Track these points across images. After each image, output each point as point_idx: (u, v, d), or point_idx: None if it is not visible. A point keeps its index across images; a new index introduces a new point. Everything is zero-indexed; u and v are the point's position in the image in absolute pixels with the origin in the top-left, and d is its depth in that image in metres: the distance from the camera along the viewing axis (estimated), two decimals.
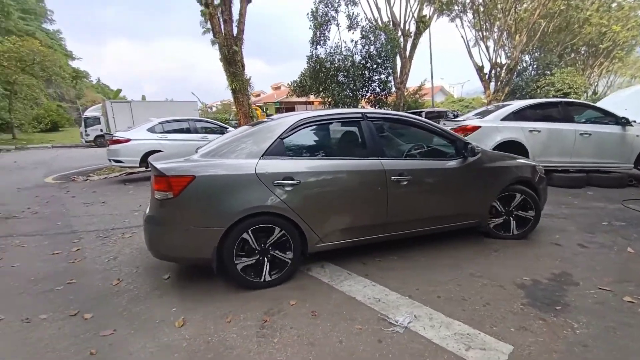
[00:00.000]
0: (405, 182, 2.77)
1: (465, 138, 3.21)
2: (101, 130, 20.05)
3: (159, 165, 2.33)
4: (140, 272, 2.81)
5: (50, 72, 23.56)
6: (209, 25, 12.03)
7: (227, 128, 8.67)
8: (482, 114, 6.28)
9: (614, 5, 29.88)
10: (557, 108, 5.88)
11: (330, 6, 16.21)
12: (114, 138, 7.12)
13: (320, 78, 16.86)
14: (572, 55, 34.84)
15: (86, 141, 20.09)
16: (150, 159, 2.59)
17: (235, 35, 11.47)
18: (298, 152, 2.72)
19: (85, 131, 20.00)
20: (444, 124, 6.42)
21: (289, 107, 39.20)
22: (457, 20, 27.24)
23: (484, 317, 2.02)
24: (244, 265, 2.40)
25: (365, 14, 17.59)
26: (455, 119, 6.57)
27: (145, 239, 2.49)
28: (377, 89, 17.35)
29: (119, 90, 31.96)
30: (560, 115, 5.77)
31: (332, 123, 2.91)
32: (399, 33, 17.50)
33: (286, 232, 2.45)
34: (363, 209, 2.72)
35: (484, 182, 3.15)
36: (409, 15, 17.70)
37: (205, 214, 2.30)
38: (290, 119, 2.67)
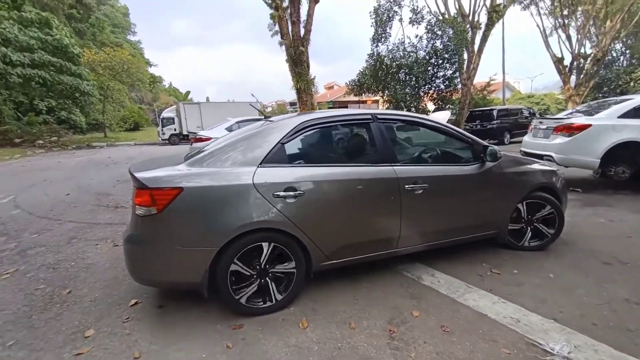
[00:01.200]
0: (420, 191, 2.48)
1: (484, 142, 2.81)
2: (175, 130, 22.06)
3: (140, 175, 1.99)
4: None
5: (134, 78, 26.60)
6: (277, 28, 12.44)
7: None
8: (589, 111, 5.47)
9: None
10: None
11: (393, 1, 15.70)
12: (197, 137, 7.68)
13: (380, 76, 16.44)
14: None
15: (162, 139, 22.25)
16: (131, 167, 2.21)
17: (302, 36, 11.67)
18: (301, 158, 2.39)
19: (162, 130, 22.15)
20: (540, 122, 5.75)
21: (342, 106, 39.19)
22: (532, 8, 24.64)
23: None
24: (246, 295, 2.11)
25: (429, 7, 16.58)
26: (554, 117, 5.82)
27: (126, 261, 2.11)
28: (442, 86, 16.39)
29: (188, 93, 34.91)
30: None
31: (339, 125, 2.65)
32: (468, 25, 16.30)
33: (288, 250, 2.16)
34: (374, 222, 2.44)
35: (504, 189, 2.87)
36: (479, 5, 16.40)
37: (195, 231, 2.00)
38: (292, 120, 2.38)
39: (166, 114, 23.11)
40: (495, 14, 16.15)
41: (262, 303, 2.16)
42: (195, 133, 8.04)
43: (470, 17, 16.54)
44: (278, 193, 2.10)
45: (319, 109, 39.88)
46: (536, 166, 3.08)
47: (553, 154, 5.16)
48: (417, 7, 15.91)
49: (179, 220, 1.98)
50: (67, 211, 5.07)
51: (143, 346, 1.87)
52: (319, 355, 1.76)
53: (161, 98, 44.34)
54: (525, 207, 2.97)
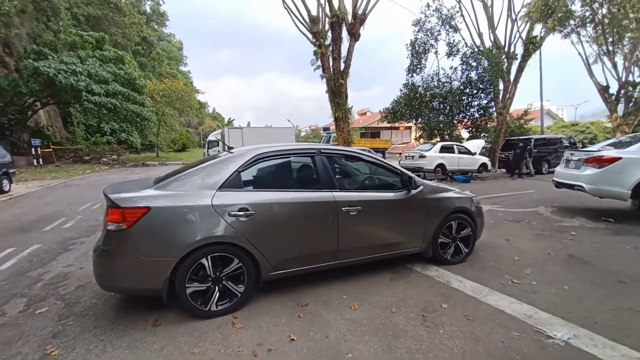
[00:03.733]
0: (354, 212, 2.92)
1: (410, 173, 3.37)
2: (219, 152, 23.97)
3: (113, 196, 2.34)
4: None
5: (185, 104, 29.60)
6: (319, 63, 13.73)
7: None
8: (619, 145, 5.70)
9: None
10: None
11: (430, 35, 16.58)
12: None
13: (414, 105, 17.09)
14: None
15: None
16: (105, 189, 2.57)
17: (342, 70, 12.80)
18: (254, 184, 2.80)
19: (207, 152, 24.15)
20: (571, 154, 6.04)
21: (374, 132, 39.98)
22: (573, 36, 24.36)
23: None
24: (194, 291, 2.42)
25: (465, 40, 17.20)
26: (584, 149, 6.08)
27: (94, 270, 2.46)
28: (476, 115, 16.65)
29: (231, 120, 37.74)
30: None
31: (288, 157, 3.06)
32: (503, 56, 16.65)
33: (240, 260, 2.51)
34: (315, 238, 2.85)
35: (426, 212, 3.34)
36: (515, 37, 16.76)
37: (160, 244, 2.33)
38: (248, 153, 2.78)
39: (212, 137, 25.23)
40: (532, 45, 16.42)
41: (201, 304, 2.46)
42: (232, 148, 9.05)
43: (506, 48, 16.90)
44: (233, 212, 2.49)
45: (353, 135, 40.67)
46: (453, 194, 3.61)
47: (584, 185, 5.42)
48: (453, 40, 16.66)
49: (146, 235, 2.31)
50: None
51: (243, 316, 2.56)
52: (368, 327, 2.35)
53: (206, 122, 48.16)
54: (454, 226, 3.51)
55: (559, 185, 6.21)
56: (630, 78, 23.75)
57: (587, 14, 23.37)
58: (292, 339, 2.20)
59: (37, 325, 2.44)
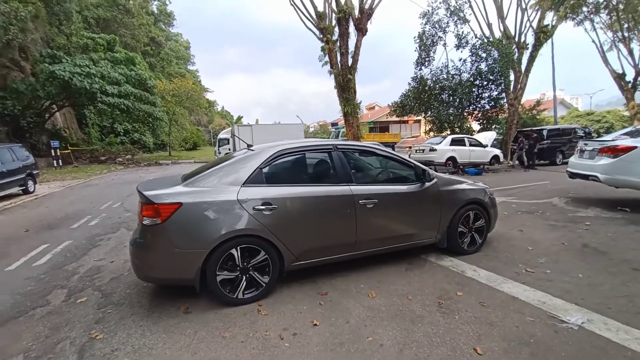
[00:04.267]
0: (371, 205, 3.06)
1: (423, 166, 3.45)
2: (229, 150, 24.28)
3: (147, 193, 2.52)
4: None
5: (194, 103, 29.98)
6: (327, 59, 13.77)
7: None
8: (635, 134, 5.63)
9: None
10: None
11: (438, 27, 16.40)
12: None
13: (422, 98, 16.98)
14: None
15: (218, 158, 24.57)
16: (139, 186, 2.77)
17: (350, 65, 12.81)
18: (276, 179, 2.93)
19: (218, 149, 24.51)
20: (585, 144, 6.01)
21: (383, 127, 39.75)
22: (586, 23, 23.64)
23: None
24: (223, 279, 2.60)
25: (474, 32, 16.95)
26: (598, 139, 6.03)
27: (131, 261, 2.71)
28: (487, 106, 16.46)
29: (240, 117, 38.05)
30: None
31: (306, 153, 3.18)
32: (514, 46, 16.35)
33: (265, 252, 2.69)
34: (334, 230, 2.99)
35: (441, 203, 3.45)
36: (525, 27, 16.42)
37: (191, 237, 2.51)
38: (269, 150, 2.95)
39: (222, 135, 25.56)
40: (543, 34, 16.08)
41: (230, 292, 2.63)
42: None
43: (517, 38, 16.58)
44: (257, 207, 2.66)
45: (362, 129, 40.53)
46: (466, 185, 3.72)
47: (598, 175, 5.39)
48: (462, 32, 16.44)
49: (179, 229, 2.49)
50: None
51: (267, 304, 2.71)
52: (387, 313, 2.47)
53: (215, 120, 48.65)
54: (472, 216, 3.63)
55: (573, 175, 6.18)
56: None
57: (601, 0, 22.69)
58: (315, 324, 2.34)
59: (80, 313, 2.64)
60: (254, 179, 2.77)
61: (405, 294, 2.76)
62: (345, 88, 12.92)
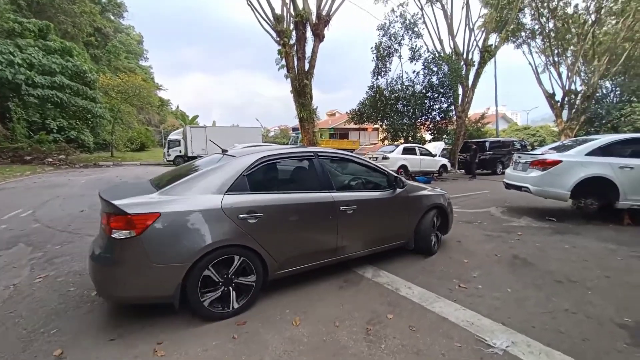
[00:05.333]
0: (351, 211, 3.12)
1: (395, 173, 3.69)
2: (180, 152, 22.84)
3: (118, 202, 2.23)
4: None
5: (144, 101, 27.85)
6: (284, 62, 13.47)
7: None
8: (561, 148, 6.06)
9: None
10: None
11: (394, 40, 16.95)
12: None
13: (379, 107, 17.41)
14: None
15: (167, 160, 22.98)
16: (103, 194, 2.47)
17: (307, 70, 12.63)
18: (260, 187, 2.78)
19: (168, 152, 22.93)
20: (519, 157, 6.33)
21: (343, 133, 40.33)
22: (524, 47, 26.19)
23: (586, 350, 2.08)
24: (205, 294, 2.42)
25: (427, 46, 17.79)
26: (531, 152, 6.42)
27: (94, 281, 2.37)
28: (437, 118, 17.29)
29: (196, 117, 36.18)
30: None
31: (289, 160, 3.16)
32: (462, 63, 17.45)
33: (250, 261, 2.56)
34: (317, 237, 2.99)
35: (410, 208, 3.70)
36: (472, 45, 17.65)
37: (171, 250, 2.27)
38: (251, 156, 2.82)
39: (173, 136, 24.01)
40: (487, 53, 17.36)
41: (221, 309, 2.49)
42: (201, 157, 8.58)
43: (465, 55, 17.73)
44: (242, 215, 2.51)
45: (321, 135, 40.74)
46: (429, 191, 3.99)
47: (529, 186, 5.69)
48: (416, 45, 17.17)
49: (157, 241, 2.24)
50: (85, 226, 5.53)
51: (170, 341, 2.28)
52: (308, 345, 2.18)
53: (168, 120, 45.76)
54: (435, 220, 3.93)
55: (508, 186, 6.49)
56: (573, 87, 26.02)
57: (536, 27, 25.26)
58: None
59: None
60: (237, 186, 2.62)
61: (333, 320, 2.49)
62: (302, 93, 12.71)
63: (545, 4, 23.62)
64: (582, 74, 26.51)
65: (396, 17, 16.98)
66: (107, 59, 38.26)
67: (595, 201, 5.36)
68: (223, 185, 2.56)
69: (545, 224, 5.44)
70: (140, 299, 2.41)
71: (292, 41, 12.89)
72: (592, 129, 27.47)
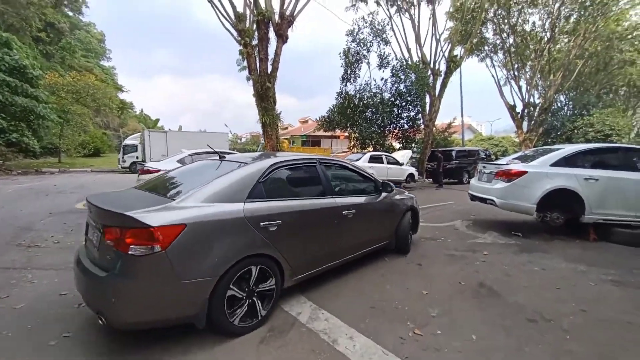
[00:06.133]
0: (350, 215, 3.29)
1: (380, 179, 4.06)
2: (137, 158, 21.13)
3: (134, 214, 1.98)
4: None
5: (100, 103, 25.77)
6: (245, 64, 12.70)
7: None
8: (525, 158, 5.76)
9: None
10: (617, 154, 5.26)
11: (362, 45, 16.71)
12: (145, 168, 7.23)
13: (348, 114, 17.00)
14: (611, 95, 33.41)
15: (122, 167, 21.18)
16: (107, 206, 2.19)
17: (269, 72, 11.91)
18: (274, 193, 2.73)
19: (123, 158, 21.15)
20: (484, 167, 5.97)
21: (315, 141, 39.90)
22: (487, 60, 27.25)
23: None
24: (239, 316, 2.32)
25: (395, 54, 17.78)
26: (495, 162, 6.08)
27: (102, 306, 2.02)
28: (405, 126, 17.16)
29: (157, 120, 34.16)
30: (620, 162, 5.13)
31: (296, 166, 3.12)
32: (429, 72, 17.56)
33: (270, 269, 2.51)
34: (324, 241, 3.08)
35: (393, 211, 4.08)
36: (439, 55, 17.85)
37: (198, 263, 2.11)
38: (264, 162, 2.78)
39: (129, 141, 22.27)
40: (453, 63, 17.59)
41: (250, 321, 2.37)
42: (143, 164, 7.57)
43: (432, 65, 17.88)
44: (263, 223, 2.45)
45: (293, 142, 40.13)
46: (404, 195, 4.42)
47: (495, 199, 5.29)
48: (384, 52, 17.04)
49: (184, 255, 2.05)
50: None
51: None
52: None
53: (130, 124, 43.04)
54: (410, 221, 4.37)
55: (473, 198, 6.11)
56: (532, 100, 27.35)
57: (498, 42, 26.40)
58: None
59: None
60: (255, 194, 2.55)
61: None
62: (264, 97, 11.95)
63: (506, 21, 24.75)
64: (540, 87, 27.98)
65: (365, 23, 16.79)
66: (61, 56, 35.49)
67: (560, 215, 5.04)
68: (242, 192, 2.48)
69: (512, 240, 5.03)
70: (161, 322, 2.13)
71: (255, 42, 12.18)
72: (549, 140, 28.99)
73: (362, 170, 3.90)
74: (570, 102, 30.90)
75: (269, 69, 11.93)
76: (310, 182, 3.21)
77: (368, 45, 16.88)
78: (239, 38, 12.12)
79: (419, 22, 17.81)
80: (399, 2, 18.44)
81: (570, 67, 26.18)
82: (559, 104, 30.28)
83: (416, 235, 5.25)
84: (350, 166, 3.80)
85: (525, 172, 5.05)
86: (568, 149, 5.22)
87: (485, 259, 4.13)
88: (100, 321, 2.04)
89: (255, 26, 11.90)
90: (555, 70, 26.25)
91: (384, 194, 3.86)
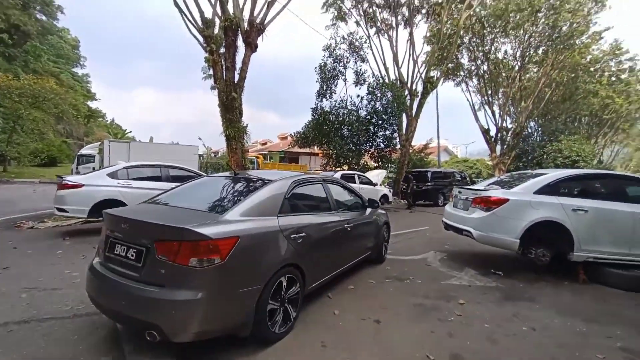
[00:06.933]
0: (349, 228, 3.69)
1: (370, 197, 4.82)
2: (93, 169, 19.35)
3: (199, 228, 2.10)
4: None
5: (57, 109, 23.90)
6: (211, 72, 11.82)
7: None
8: (503, 184, 5.08)
9: (622, 76, 30.78)
10: (604, 181, 4.67)
11: (339, 61, 16.30)
12: (64, 182, 6.00)
13: (324, 130, 16.32)
14: (576, 124, 35.06)
15: None
16: (160, 220, 2.25)
17: (236, 82, 11.06)
18: (297, 209, 3.06)
19: (77, 168, 19.29)
20: (460, 192, 5.23)
21: (293, 157, 39.08)
22: (463, 85, 27.86)
23: None
24: (278, 324, 2.50)
25: (372, 70, 17.56)
26: (472, 187, 5.36)
27: (162, 322, 2.00)
28: (382, 145, 16.65)
29: (124, 132, 32.29)
30: (608, 190, 4.52)
31: (308, 184, 3.44)
32: (406, 92, 17.35)
33: (297, 279, 2.72)
34: (333, 252, 3.43)
35: (376, 225, 4.58)
36: (416, 76, 17.75)
37: (249, 273, 2.31)
38: (286, 180, 3.07)
39: (86, 150, 20.53)
40: (430, 84, 17.49)
41: (284, 326, 2.59)
42: (62, 177, 6.32)
43: (409, 85, 17.72)
44: (293, 235, 2.75)
45: (271, 158, 39.15)
46: (380, 211, 4.88)
47: (472, 230, 4.52)
48: (361, 69, 16.71)
49: (239, 265, 2.23)
50: None
51: None
52: None
53: (97, 134, 40.63)
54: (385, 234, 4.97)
55: (447, 227, 5.33)
56: (505, 124, 28.01)
57: (473, 68, 27.15)
58: None
59: None
60: (284, 209, 2.83)
61: None
62: (229, 107, 11.01)
63: (480, 48, 25.53)
64: (512, 113, 28.78)
65: (342, 39, 16.49)
66: (24, 59, 33.37)
67: (546, 252, 4.31)
68: (275, 207, 2.75)
69: (492, 281, 4.22)
70: (219, 331, 2.24)
71: (223, 50, 11.37)
72: (521, 164, 29.69)
73: (354, 190, 4.40)
74: (540, 129, 32.06)
75: (236, 78, 11.08)
76: (320, 198, 3.57)
77: (345, 62, 16.53)
78: (205, 44, 11.29)
79: (396, 42, 17.80)
80: (379, 24, 18.45)
81: (540, 95, 27.18)
82: (529, 130, 31.27)
83: (381, 274, 4.36)
84: (344, 184, 4.30)
85: (506, 200, 4.33)
86: (553, 174, 4.57)
87: (461, 311, 3.24)
88: (149, 338, 2.04)
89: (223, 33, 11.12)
90: (525, 97, 27.16)
91: (370, 210, 4.40)
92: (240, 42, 11.15)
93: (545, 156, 28.13)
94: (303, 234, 2.80)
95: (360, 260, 4.18)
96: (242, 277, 2.22)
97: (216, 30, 11.39)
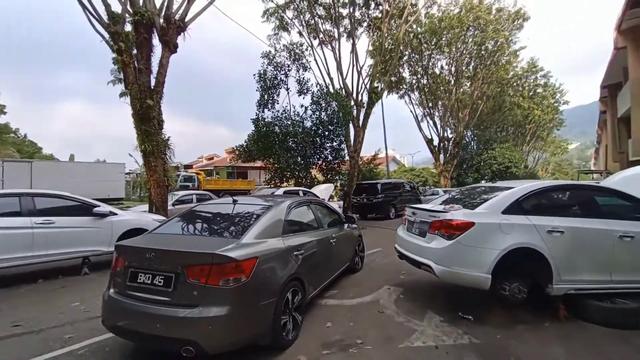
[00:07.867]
0: (334, 242, 4.37)
1: (349, 214, 6.26)
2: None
3: (228, 253, 2.48)
4: None
5: None
6: (121, 75, 9.85)
7: (97, 205, 5.80)
8: (463, 201, 4.20)
9: (539, 90, 34.35)
10: (574, 194, 3.98)
11: (280, 70, 15.20)
12: None
13: (267, 143, 14.92)
14: (504, 133, 38.46)
15: None
16: (187, 248, 2.73)
17: (152, 87, 9.23)
18: (293, 229, 3.55)
19: None
20: (414, 213, 4.23)
21: (241, 172, 36.80)
22: (406, 97, 28.66)
23: None
24: (290, 332, 2.95)
25: (316, 79, 16.74)
26: (428, 208, 4.40)
27: (199, 338, 2.31)
28: (329, 157, 15.75)
29: (36, 150, 27.43)
30: (580, 205, 3.83)
31: (299, 205, 4.00)
32: (352, 102, 16.83)
33: (300, 291, 3.17)
34: (323, 263, 3.97)
35: (352, 239, 5.40)
36: (361, 87, 17.39)
37: (267, 288, 2.70)
38: (283, 204, 3.61)
39: None
40: (375, 95, 17.16)
41: (293, 332, 3.01)
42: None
43: (355, 96, 17.23)
44: (295, 253, 3.23)
45: (217, 174, 36.23)
46: (354, 226, 5.59)
47: (432, 264, 3.49)
48: (304, 78, 15.80)
49: (259, 282, 2.63)
50: None
51: None
52: None
53: (1, 152, 34.17)
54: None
55: (402, 257, 4.29)
56: (446, 134, 29.37)
57: (414, 81, 28.18)
58: None
59: None
60: (285, 230, 3.31)
61: None
62: (145, 118, 9.08)
63: (420, 63, 26.59)
64: (451, 124, 30.35)
65: (282, 46, 15.48)
66: None
67: (522, 287, 3.43)
68: (278, 229, 3.23)
69: (462, 334, 3.19)
70: (247, 341, 2.61)
71: (136, 51, 9.50)
72: (462, 171, 31.35)
73: (333, 208, 5.27)
74: (476, 138, 34.42)
75: (152, 83, 9.27)
76: (309, 218, 4.16)
77: (286, 70, 15.50)
78: (112, 42, 9.35)
79: (340, 53, 17.31)
80: (321, 36, 17.88)
81: (474, 107, 29.05)
82: (467, 139, 33.33)
83: (319, 338, 3.07)
84: (325, 204, 5.16)
85: (471, 224, 3.38)
86: (520, 189, 3.74)
87: None
88: (185, 354, 2.31)
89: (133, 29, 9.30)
90: (462, 109, 28.83)
91: (346, 225, 5.16)
92: (156, 42, 9.41)
93: (482, 163, 30.00)
94: (302, 250, 3.31)
95: (341, 271, 4.84)
96: (262, 292, 2.63)
97: (128, 27, 9.55)
